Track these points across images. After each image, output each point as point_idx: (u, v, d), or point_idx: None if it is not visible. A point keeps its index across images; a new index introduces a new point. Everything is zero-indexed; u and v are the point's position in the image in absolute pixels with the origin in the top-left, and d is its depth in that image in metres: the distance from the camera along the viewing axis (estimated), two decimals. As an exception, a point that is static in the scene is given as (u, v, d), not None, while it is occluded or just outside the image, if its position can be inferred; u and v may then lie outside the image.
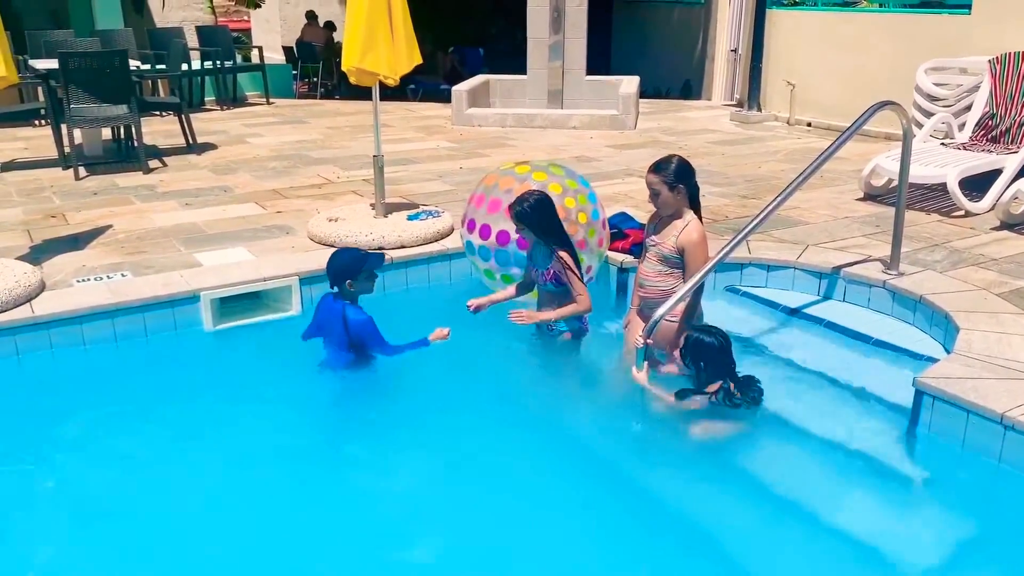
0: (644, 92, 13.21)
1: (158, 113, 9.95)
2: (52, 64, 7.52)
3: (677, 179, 4.05)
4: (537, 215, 4.21)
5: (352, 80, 5.49)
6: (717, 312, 4.96)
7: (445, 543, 3.19)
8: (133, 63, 8.01)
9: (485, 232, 4.71)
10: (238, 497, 3.44)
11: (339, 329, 4.14)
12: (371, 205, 5.88)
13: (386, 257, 4.59)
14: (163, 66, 9.61)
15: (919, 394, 3.64)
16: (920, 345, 4.37)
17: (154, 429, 3.90)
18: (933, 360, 4.10)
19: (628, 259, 5.17)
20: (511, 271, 4.68)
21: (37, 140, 8.98)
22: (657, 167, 4.12)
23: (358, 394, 4.30)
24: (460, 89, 10.34)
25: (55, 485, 3.56)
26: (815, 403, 4.11)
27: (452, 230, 5.60)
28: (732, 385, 3.78)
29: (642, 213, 6.10)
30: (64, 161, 7.69)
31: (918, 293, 4.57)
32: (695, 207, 4.14)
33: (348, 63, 5.31)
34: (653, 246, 4.14)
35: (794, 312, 4.86)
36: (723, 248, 4.32)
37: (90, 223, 6.03)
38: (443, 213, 5.78)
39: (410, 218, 5.63)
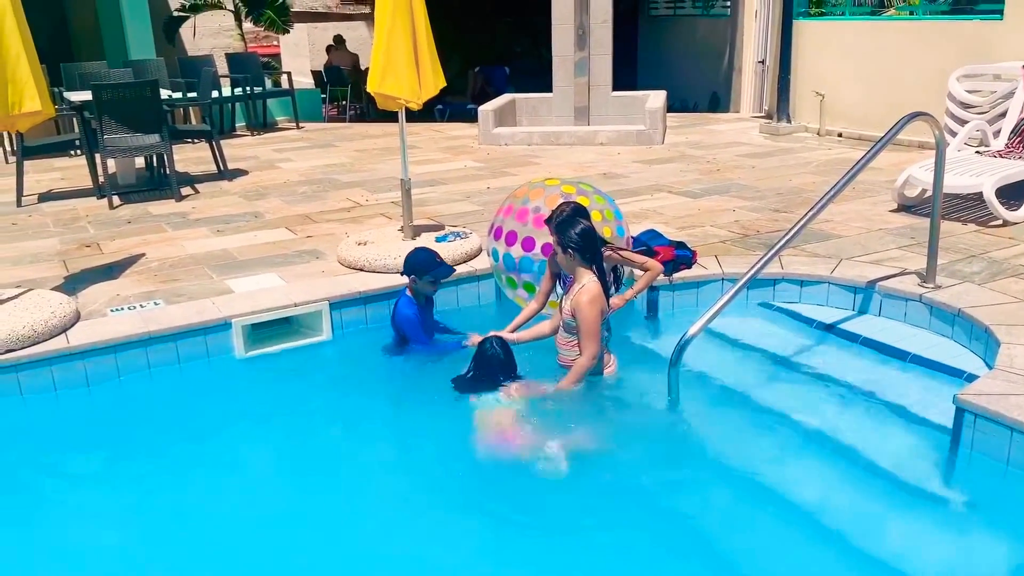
0: (671, 106, 13.17)
1: (190, 141, 10.08)
2: (86, 96, 7.64)
3: (564, 245, 3.99)
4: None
5: (378, 105, 5.52)
6: (750, 329, 4.95)
7: None
8: (164, 92, 8.14)
9: (511, 239, 4.74)
10: (271, 525, 3.43)
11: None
12: (400, 228, 5.89)
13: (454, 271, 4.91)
14: (194, 94, 9.74)
15: (960, 412, 3.55)
16: (960, 360, 4.27)
17: (185, 458, 3.92)
18: (974, 376, 4.01)
19: (658, 277, 5.11)
20: (533, 279, 4.68)
21: (73, 170, 9.13)
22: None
23: (388, 417, 4.31)
24: (486, 109, 10.38)
25: (88, 513, 3.57)
26: (852, 421, 4.03)
27: (480, 251, 5.59)
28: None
29: (672, 230, 6.08)
30: (99, 191, 7.81)
31: (956, 306, 4.48)
32: (596, 265, 4.02)
33: (370, 87, 5.35)
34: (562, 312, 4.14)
35: (829, 328, 4.79)
36: (754, 264, 4.27)
37: (124, 252, 6.10)
38: (471, 234, 5.78)
39: (438, 240, 5.62)
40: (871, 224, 6.11)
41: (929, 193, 6.23)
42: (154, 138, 7.66)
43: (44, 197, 8.07)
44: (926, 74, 8.77)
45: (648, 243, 5.46)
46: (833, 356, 4.58)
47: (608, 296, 4.09)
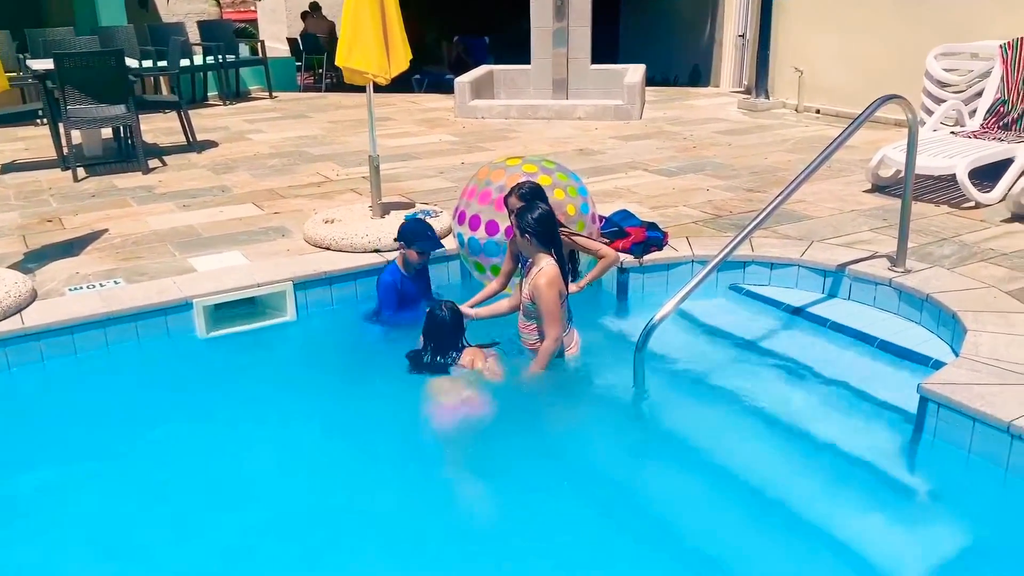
0: (652, 79, 13.06)
1: (161, 111, 9.88)
2: (49, 64, 7.45)
3: (521, 229, 3.95)
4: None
5: (345, 79, 5.41)
6: (719, 312, 4.92)
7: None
8: (131, 61, 7.96)
9: (475, 223, 4.69)
10: (232, 507, 3.38)
11: None
12: (369, 206, 5.80)
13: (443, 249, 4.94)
14: (164, 63, 9.53)
15: (924, 400, 3.54)
16: (927, 346, 4.26)
17: (145, 440, 3.85)
18: (940, 363, 4.01)
19: (628, 258, 5.07)
20: (500, 262, 4.62)
21: (38, 140, 8.93)
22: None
23: (350, 400, 4.24)
24: (463, 80, 10.23)
25: (43, 496, 3.50)
26: (817, 407, 4.02)
27: (451, 230, 5.50)
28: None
29: (644, 209, 6.03)
30: (63, 163, 7.65)
31: (925, 292, 4.46)
32: (555, 248, 3.98)
33: (338, 61, 5.25)
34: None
35: (798, 311, 4.76)
36: (719, 254, 4.25)
37: (86, 227, 5.98)
38: (441, 212, 5.70)
39: (407, 218, 5.53)
40: (844, 205, 6.08)
41: (903, 173, 6.21)
42: (119, 109, 7.49)
43: (7, 168, 7.90)
44: (905, 51, 8.70)
45: (620, 223, 5.41)
46: (801, 340, 4.55)
47: (567, 280, 4.04)
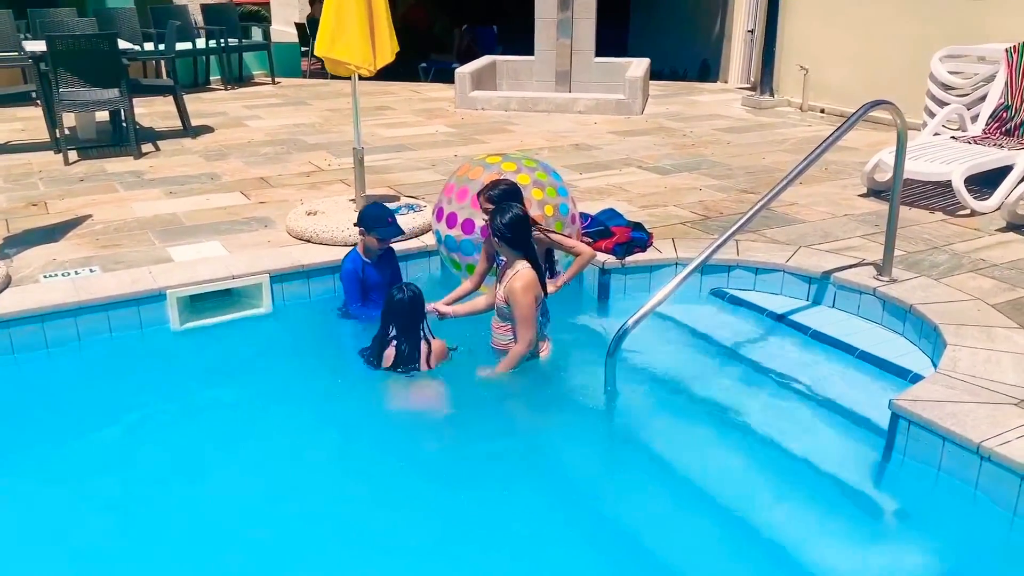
0: (661, 73, 12.95)
1: (162, 95, 9.84)
2: (43, 46, 7.41)
3: (493, 231, 3.89)
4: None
5: (328, 69, 5.35)
6: (701, 316, 4.86)
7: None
8: (125, 44, 7.90)
9: (452, 220, 4.64)
10: (200, 504, 3.35)
11: None
12: (351, 198, 5.74)
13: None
14: (162, 47, 9.48)
15: (895, 417, 3.46)
16: (907, 359, 4.18)
17: (113, 433, 3.81)
18: (919, 377, 3.92)
19: (611, 259, 5.00)
20: (475, 261, 4.57)
21: (35, 121, 8.89)
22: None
23: (323, 394, 4.19)
24: (464, 71, 10.15)
25: (9, 490, 3.47)
26: (790, 417, 3.94)
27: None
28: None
29: (634, 208, 5.95)
30: (56, 145, 7.61)
31: (908, 302, 4.37)
32: (527, 252, 3.92)
33: (318, 50, 5.17)
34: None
35: (780, 318, 4.69)
36: (700, 254, 4.15)
37: (70, 212, 5.95)
38: (425, 207, 5.64)
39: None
40: (837, 209, 5.98)
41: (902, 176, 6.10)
42: (112, 92, 7.45)
43: (0, 149, 7.88)
44: (911, 52, 8.56)
45: (605, 223, 5.34)
46: (780, 348, 4.48)
47: (543, 281, 3.97)
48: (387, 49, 5.33)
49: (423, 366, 3.99)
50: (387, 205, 4.83)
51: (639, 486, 3.53)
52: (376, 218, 4.52)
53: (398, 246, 5.18)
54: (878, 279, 4.63)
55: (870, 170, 6.29)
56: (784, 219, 5.72)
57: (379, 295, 4.43)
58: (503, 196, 4.12)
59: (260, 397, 4.12)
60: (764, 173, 7.02)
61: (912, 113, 8.45)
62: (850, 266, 4.82)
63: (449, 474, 3.53)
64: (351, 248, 4.72)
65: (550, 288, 4.17)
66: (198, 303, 4.77)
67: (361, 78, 5.43)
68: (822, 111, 9.87)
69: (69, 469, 3.57)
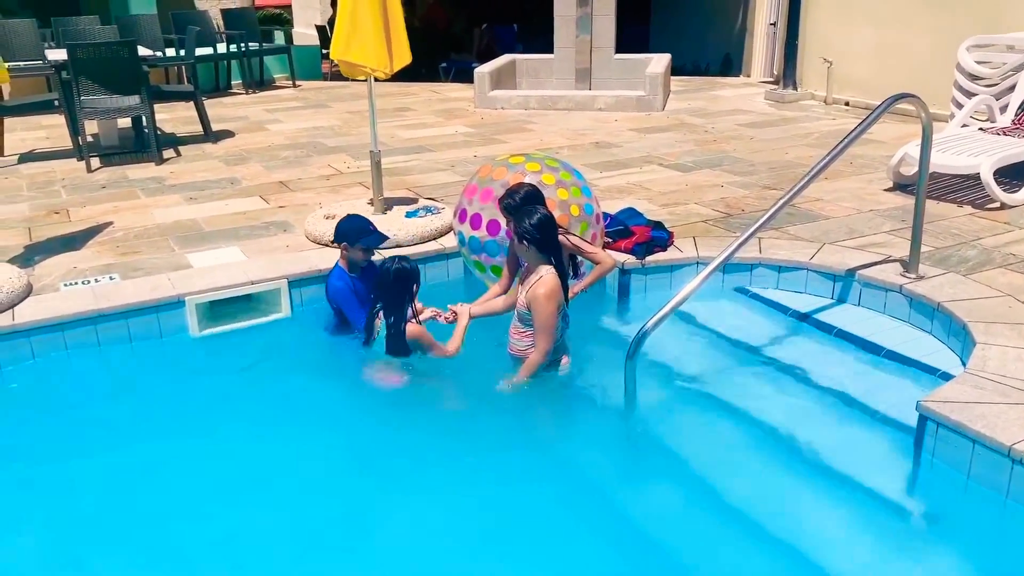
0: (683, 68, 12.84)
1: (183, 100, 9.89)
2: (64, 54, 7.46)
3: (519, 235, 3.81)
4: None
5: (343, 73, 5.33)
6: (723, 316, 4.78)
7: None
8: (145, 51, 7.94)
9: (476, 222, 4.59)
10: (220, 510, 3.34)
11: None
12: (369, 201, 5.72)
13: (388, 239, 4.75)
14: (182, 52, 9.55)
15: (923, 419, 3.37)
16: (936, 358, 4.08)
17: (136, 441, 3.81)
18: (948, 376, 3.84)
19: (630, 259, 4.94)
20: (501, 262, 4.53)
21: (59, 129, 8.98)
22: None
23: (341, 398, 4.17)
24: (483, 70, 10.10)
25: (33, 501, 3.47)
26: (817, 419, 3.86)
27: (451, 228, 5.41)
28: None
29: (654, 207, 5.89)
30: (78, 152, 7.67)
31: (936, 300, 4.27)
32: (554, 256, 3.85)
33: (334, 54, 5.15)
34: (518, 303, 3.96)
35: (804, 317, 4.61)
36: (724, 250, 4.06)
37: (92, 219, 5.99)
38: (443, 209, 5.60)
39: (408, 215, 5.46)
40: (862, 204, 5.87)
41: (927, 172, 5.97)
42: (133, 99, 7.49)
43: (25, 157, 7.97)
44: (938, 42, 8.39)
45: (625, 222, 5.29)
46: (805, 348, 4.40)
47: (567, 288, 3.91)
48: (404, 51, 5.30)
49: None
50: (362, 215, 4.69)
51: (660, 492, 3.47)
52: (359, 230, 4.39)
53: (413, 249, 5.18)
54: (905, 276, 4.53)
55: (896, 164, 6.17)
56: (808, 215, 5.63)
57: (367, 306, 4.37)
58: (526, 200, 4.06)
59: (278, 402, 4.10)
60: (787, 168, 6.91)
61: (939, 104, 8.31)
62: (876, 263, 4.73)
63: (464, 481, 3.49)
64: (332, 267, 4.56)
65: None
66: (218, 309, 4.77)
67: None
68: (847, 104, 9.71)
69: (89, 477, 3.57)
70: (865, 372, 4.13)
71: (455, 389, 3.99)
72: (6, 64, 8.63)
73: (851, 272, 4.68)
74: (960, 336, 4.06)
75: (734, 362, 4.37)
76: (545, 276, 3.81)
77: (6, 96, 9.94)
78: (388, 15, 5.16)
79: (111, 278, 4.87)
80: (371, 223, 4.49)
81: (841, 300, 4.71)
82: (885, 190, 6.20)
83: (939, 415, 3.28)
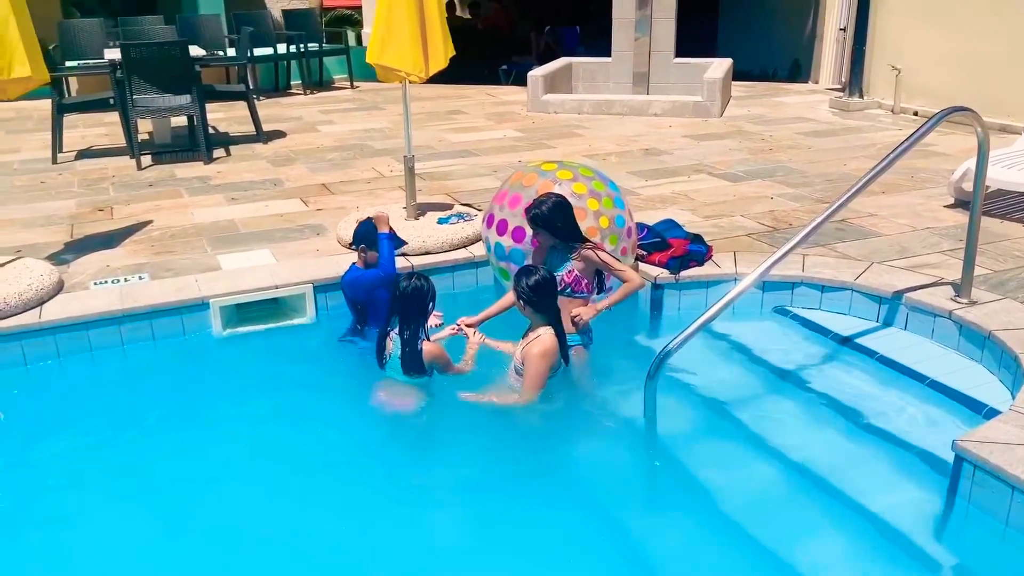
0: (749, 73, 12.52)
1: (236, 100, 10.00)
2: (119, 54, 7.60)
3: (517, 293, 3.74)
4: (553, 215, 3.94)
5: (379, 77, 5.27)
6: (759, 337, 4.60)
7: None
8: (198, 51, 8.04)
9: (502, 228, 4.51)
10: (243, 513, 3.33)
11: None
12: (404, 206, 5.65)
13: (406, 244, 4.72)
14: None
15: (959, 459, 3.12)
16: (984, 391, 3.81)
17: (151, 441, 3.82)
18: (995, 412, 3.58)
19: (664, 274, 4.76)
20: None
21: (119, 127, 9.11)
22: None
23: (361, 404, 4.09)
24: (536, 74, 9.98)
25: (54, 501, 3.49)
26: (850, 451, 3.65)
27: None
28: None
29: (696, 219, 5.70)
30: (131, 150, 7.79)
31: (987, 328, 3.99)
32: (551, 319, 3.76)
33: (369, 57, 5.10)
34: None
35: (845, 341, 4.37)
36: (758, 268, 3.85)
37: (133, 217, 6.06)
38: (476, 216, 5.50)
39: (440, 221, 5.37)
40: (919, 221, 5.56)
41: (992, 189, 5.65)
42: (184, 98, 7.59)
43: (82, 154, 8.15)
44: (1015, 49, 7.95)
45: (663, 234, 5.11)
46: (844, 373, 4.18)
47: (565, 349, 3.81)
48: (440, 54, 5.21)
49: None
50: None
51: (679, 528, 3.29)
52: (376, 231, 4.37)
53: (443, 256, 5.10)
54: (956, 300, 4.26)
55: (958, 179, 5.83)
56: (859, 232, 5.37)
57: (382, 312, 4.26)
58: (554, 210, 3.95)
59: (292, 408, 4.06)
60: (844, 181, 6.61)
61: (1016, 116, 7.88)
62: (926, 285, 4.46)
63: (470, 501, 3.40)
64: (349, 268, 4.51)
65: (588, 311, 3.96)
66: (244, 311, 4.76)
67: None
68: (915, 114, 9.29)
69: (109, 474, 3.59)
70: (906, 403, 3.89)
71: (465, 410, 3.85)
72: (76, 62, 8.92)
73: (898, 294, 4.42)
74: (1011, 369, 3.79)
75: (766, 387, 4.17)
76: (543, 335, 3.73)
77: (73, 93, 10.24)
78: (424, 17, 5.08)
79: (140, 278, 4.90)
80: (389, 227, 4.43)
81: (887, 324, 4.46)
82: (945, 207, 5.87)
83: (977, 457, 3.04)
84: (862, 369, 4.18)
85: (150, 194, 6.71)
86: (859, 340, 4.34)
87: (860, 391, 4.01)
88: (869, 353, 4.23)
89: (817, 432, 3.79)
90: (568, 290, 3.95)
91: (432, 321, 4.33)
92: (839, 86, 11.19)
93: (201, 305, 4.62)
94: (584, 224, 4.18)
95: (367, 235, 4.36)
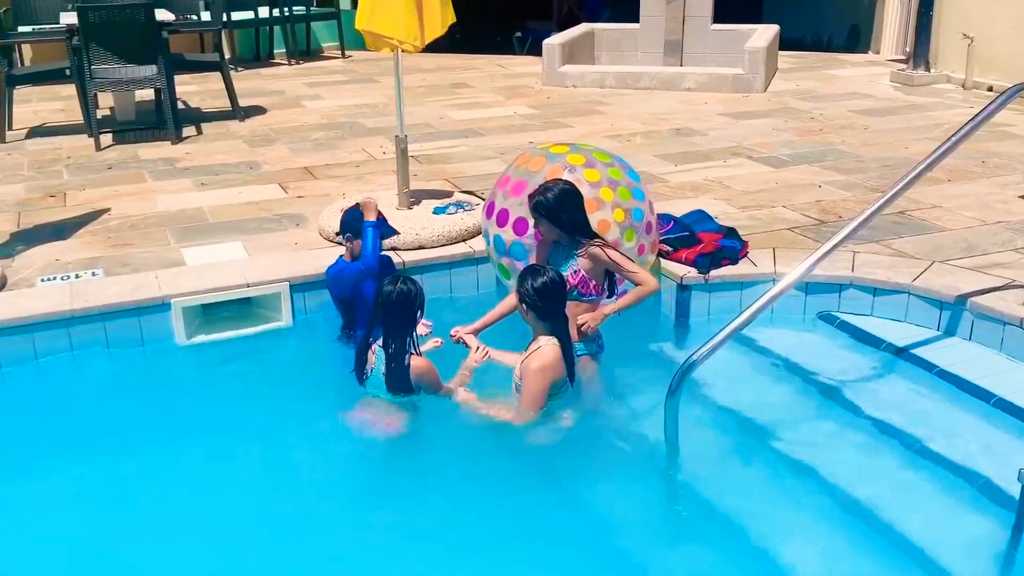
0: (801, 42, 12.48)
1: (208, 71, 10.03)
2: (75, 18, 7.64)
3: (520, 295, 3.73)
4: (559, 205, 3.92)
5: (368, 46, 5.28)
6: (801, 347, 4.63)
7: None
8: (166, 15, 8.07)
9: (503, 218, 4.51)
10: (204, 550, 3.33)
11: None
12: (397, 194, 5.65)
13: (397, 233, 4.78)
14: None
15: (1026, 491, 3.10)
16: (1058, 412, 3.78)
17: (107, 466, 3.82)
18: (1070, 436, 3.53)
19: (691, 273, 4.75)
20: None
21: (76, 101, 9.22)
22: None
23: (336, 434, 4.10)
24: (552, 43, 9.96)
25: None
26: (903, 479, 3.64)
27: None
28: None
29: (731, 210, 5.69)
30: (89, 127, 7.83)
31: (1065, 339, 3.95)
32: (556, 328, 3.74)
33: (358, 23, 5.11)
34: None
35: (900, 352, 4.37)
36: (799, 267, 3.84)
37: (88, 205, 6.10)
38: (477, 206, 5.49)
39: (436, 211, 5.37)
40: (989, 214, 5.53)
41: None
42: (149, 69, 7.62)
43: (34, 132, 8.22)
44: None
45: (692, 227, 5.12)
46: (898, 389, 4.20)
47: (571, 363, 3.80)
48: (437, 21, 5.21)
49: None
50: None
51: (703, 569, 3.26)
52: (350, 221, 4.41)
53: (438, 251, 5.10)
54: (1029, 307, 4.23)
55: (1036, 165, 5.79)
56: (920, 226, 5.34)
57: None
58: (560, 199, 3.93)
59: (275, 420, 4.08)
60: (903, 166, 6.52)
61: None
62: (995, 288, 4.43)
63: (462, 540, 3.38)
64: (335, 261, 4.57)
65: (594, 316, 3.96)
66: (210, 313, 4.79)
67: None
68: (989, 89, 9.20)
69: (55, 497, 3.61)
70: (968, 424, 3.89)
71: (457, 433, 3.85)
72: (29, 27, 8.97)
73: (962, 299, 4.40)
74: (1092, 386, 3.75)
75: (808, 406, 4.18)
76: (544, 347, 3.71)
77: (27, 62, 10.30)
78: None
79: (94, 274, 4.92)
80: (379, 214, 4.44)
81: (948, 332, 4.45)
82: (1020, 197, 5.82)
83: (1046, 488, 3.00)
84: (919, 385, 4.18)
85: (108, 178, 6.76)
86: (916, 351, 4.34)
87: (916, 411, 4.00)
88: (927, 367, 4.22)
89: (866, 459, 3.76)
90: (575, 292, 3.94)
91: (420, 330, 4.33)
92: (903, 57, 11.12)
93: (161, 306, 4.63)
94: (596, 217, 4.17)
95: (354, 223, 4.38)
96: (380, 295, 3.78)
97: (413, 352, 3.81)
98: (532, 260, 4.19)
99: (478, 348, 4.05)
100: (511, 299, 4.05)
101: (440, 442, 3.87)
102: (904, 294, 4.58)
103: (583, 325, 3.95)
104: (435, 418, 3.89)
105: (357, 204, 4.50)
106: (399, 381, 3.80)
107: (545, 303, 3.67)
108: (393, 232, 4.56)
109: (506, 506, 3.54)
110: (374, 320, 3.84)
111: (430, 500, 3.59)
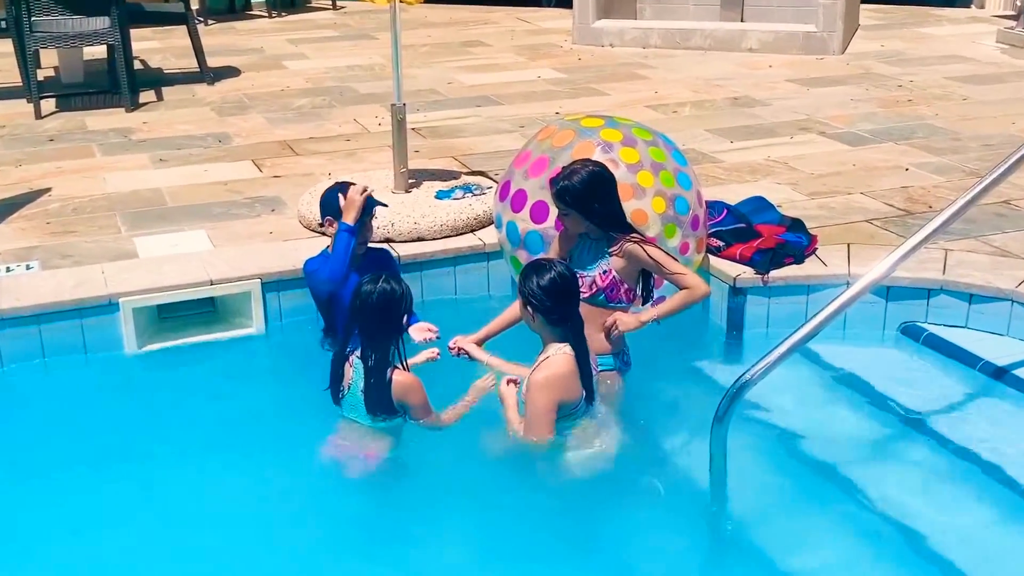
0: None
1: (175, 24, 10.12)
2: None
3: (523, 295, 3.72)
4: (588, 191, 3.90)
5: (358, -5, 5.31)
6: (880, 366, 4.65)
7: None
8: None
9: (518, 202, 4.57)
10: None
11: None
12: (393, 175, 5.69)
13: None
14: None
15: None
16: None
17: (40, 498, 3.84)
18: None
19: (747, 273, 4.76)
20: None
21: (14, 59, 9.32)
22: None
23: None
24: (586, -8, 10.04)
25: None
26: (1000, 529, 3.64)
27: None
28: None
29: (798, 197, 5.79)
30: (28, 91, 7.91)
31: None
32: (569, 334, 3.73)
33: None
34: None
35: (1000, 373, 4.39)
36: (878, 267, 3.81)
37: (24, 184, 6.21)
38: (488, 190, 5.51)
39: (439, 195, 5.40)
40: (1111, 204, 5.53)
41: None
42: (101, 21, 7.72)
43: (-37, 97, 8.33)
44: None
45: (749, 217, 5.18)
46: (995, 418, 4.21)
47: (588, 376, 3.78)
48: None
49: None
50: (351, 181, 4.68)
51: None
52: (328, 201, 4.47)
53: (441, 244, 5.12)
54: None
55: None
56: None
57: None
58: (589, 183, 3.91)
59: (230, 455, 4.09)
60: (1009, 146, 6.48)
61: None
62: (1116, 296, 4.42)
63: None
64: (319, 253, 4.59)
65: (629, 321, 3.97)
66: (167, 315, 4.86)
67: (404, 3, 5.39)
68: (1119, 52, 9.19)
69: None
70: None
71: (455, 463, 3.88)
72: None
73: (1077, 308, 4.39)
74: None
75: (886, 437, 4.22)
76: (552, 357, 3.71)
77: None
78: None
79: (28, 267, 4.99)
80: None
81: (1061, 349, 4.45)
82: None
83: None
84: (1021, 411, 4.17)
85: (50, 152, 6.86)
86: (1018, 371, 4.34)
87: (1016, 443, 3.98)
88: (1033, 390, 4.23)
89: (957, 507, 3.76)
90: (601, 297, 3.96)
91: (422, 336, 4.33)
92: (1013, 12, 11.13)
93: (108, 306, 4.68)
94: (631, 206, 4.19)
95: (334, 202, 4.41)
96: (357, 296, 3.78)
97: (397, 365, 3.81)
98: (551, 254, 4.18)
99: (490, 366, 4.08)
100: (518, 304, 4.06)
101: (432, 476, 3.89)
102: (1007, 302, 4.60)
103: (613, 328, 3.95)
104: (428, 445, 3.91)
105: (341, 183, 4.53)
106: (379, 401, 3.80)
107: (554, 304, 3.66)
108: (376, 203, 4.51)
109: (509, 558, 3.56)
110: (350, 327, 3.85)
111: (420, 551, 3.61)
